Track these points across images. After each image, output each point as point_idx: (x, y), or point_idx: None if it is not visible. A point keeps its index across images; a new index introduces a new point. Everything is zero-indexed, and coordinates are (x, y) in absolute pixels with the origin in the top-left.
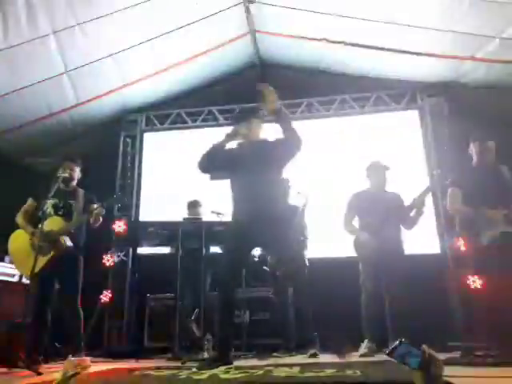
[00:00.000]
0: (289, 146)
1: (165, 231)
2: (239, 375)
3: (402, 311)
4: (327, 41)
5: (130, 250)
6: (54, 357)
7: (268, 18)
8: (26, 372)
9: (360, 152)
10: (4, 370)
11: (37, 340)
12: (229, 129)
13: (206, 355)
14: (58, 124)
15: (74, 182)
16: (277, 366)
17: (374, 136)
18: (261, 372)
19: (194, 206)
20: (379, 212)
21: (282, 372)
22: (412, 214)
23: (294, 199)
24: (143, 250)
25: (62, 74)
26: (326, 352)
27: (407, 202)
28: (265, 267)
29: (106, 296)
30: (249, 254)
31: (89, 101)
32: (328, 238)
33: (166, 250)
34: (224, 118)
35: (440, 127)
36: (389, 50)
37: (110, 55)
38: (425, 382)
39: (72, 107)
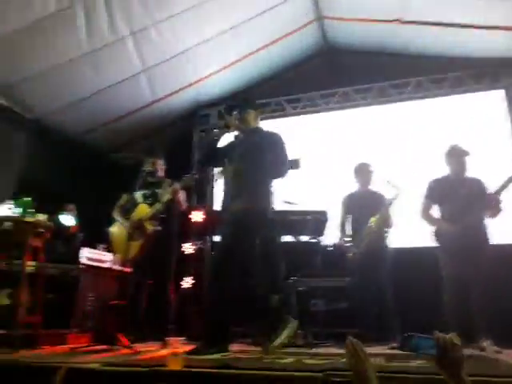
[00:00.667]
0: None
1: None
2: (324, 361)
3: (488, 304)
4: (400, 21)
5: (208, 238)
6: (144, 339)
7: (335, 3)
8: (126, 350)
9: (439, 137)
10: (104, 347)
11: (133, 321)
12: (297, 118)
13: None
14: (137, 120)
15: (160, 173)
16: None
17: (454, 119)
18: (345, 360)
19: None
20: (460, 199)
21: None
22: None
23: (383, 189)
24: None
25: (139, 72)
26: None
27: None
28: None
29: (187, 283)
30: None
31: (165, 97)
32: (407, 228)
33: None
34: (292, 107)
35: None
36: (467, 26)
37: (183, 52)
38: (446, 367)
39: (149, 104)
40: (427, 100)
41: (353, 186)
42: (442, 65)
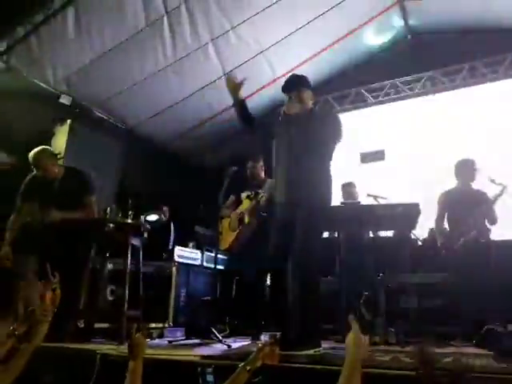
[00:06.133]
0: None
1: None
2: None
3: None
4: None
5: None
6: (234, 332)
7: None
8: (218, 344)
9: None
10: (197, 341)
11: (222, 315)
12: (378, 108)
13: (377, 338)
14: (218, 124)
15: (260, 175)
16: (462, 354)
17: None
18: (449, 359)
19: (349, 188)
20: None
21: (475, 361)
22: None
23: (484, 186)
24: None
25: (220, 77)
26: None
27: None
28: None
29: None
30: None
31: (244, 99)
32: None
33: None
34: (373, 96)
35: None
36: None
37: (261, 52)
38: None
39: (230, 107)
40: None
41: (451, 183)
42: None
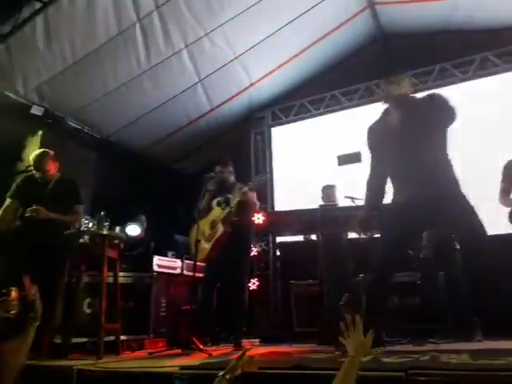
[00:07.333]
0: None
1: (303, 219)
2: (403, 360)
3: None
4: None
5: (271, 239)
6: (216, 340)
7: None
8: (199, 354)
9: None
10: (179, 351)
11: (203, 324)
12: (353, 111)
13: None
14: (195, 130)
15: (229, 180)
16: (441, 352)
17: None
18: (427, 357)
19: (328, 190)
20: None
21: (451, 358)
22: None
23: None
24: (283, 239)
25: (196, 83)
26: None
27: None
28: (409, 251)
29: (253, 284)
30: (411, 238)
31: (220, 105)
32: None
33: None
34: (348, 99)
35: None
36: None
37: (236, 58)
38: None
39: (206, 113)
40: (496, 76)
41: None
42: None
